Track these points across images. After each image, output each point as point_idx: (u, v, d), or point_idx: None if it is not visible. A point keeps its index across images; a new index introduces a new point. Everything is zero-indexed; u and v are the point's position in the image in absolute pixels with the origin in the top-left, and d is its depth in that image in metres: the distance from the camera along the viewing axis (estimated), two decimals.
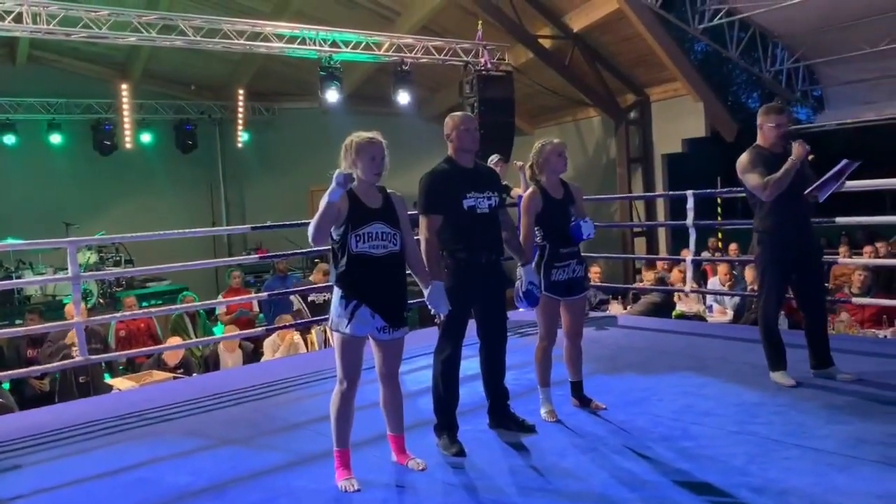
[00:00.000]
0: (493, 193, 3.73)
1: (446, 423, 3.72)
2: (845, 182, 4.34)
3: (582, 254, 4.21)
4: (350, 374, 3.27)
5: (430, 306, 3.52)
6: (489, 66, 10.61)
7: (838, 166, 4.21)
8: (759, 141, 4.52)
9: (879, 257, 8.69)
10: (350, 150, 3.27)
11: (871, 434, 3.52)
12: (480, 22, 10.59)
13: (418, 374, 4.96)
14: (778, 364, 4.48)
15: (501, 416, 3.94)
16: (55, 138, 12.47)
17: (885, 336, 6.57)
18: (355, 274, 3.22)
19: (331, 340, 3.41)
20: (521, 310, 4.09)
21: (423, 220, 3.64)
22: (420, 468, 3.43)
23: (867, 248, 8.96)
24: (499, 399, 3.95)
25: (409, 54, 10.30)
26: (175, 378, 6.57)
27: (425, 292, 3.49)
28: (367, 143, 3.26)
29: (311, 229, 3.18)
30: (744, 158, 4.45)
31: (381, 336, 3.29)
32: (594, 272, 8.57)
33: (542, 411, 4.08)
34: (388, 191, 3.39)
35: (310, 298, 8.05)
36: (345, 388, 3.27)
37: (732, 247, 10.37)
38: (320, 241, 3.23)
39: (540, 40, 11.71)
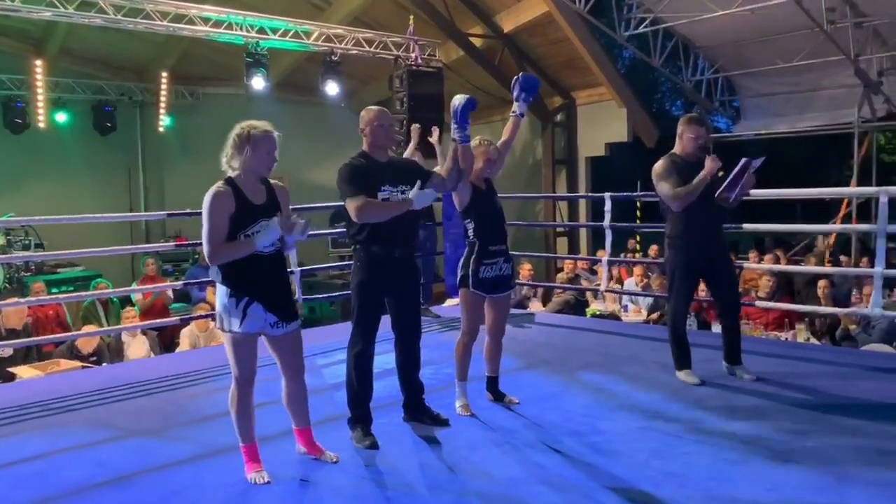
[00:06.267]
0: (407, 188, 3.68)
1: (360, 415, 3.73)
2: (754, 180, 4.50)
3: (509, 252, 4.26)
4: (246, 372, 3.21)
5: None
6: (420, 61, 10.62)
7: (739, 165, 4.39)
8: (677, 149, 4.66)
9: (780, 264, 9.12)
10: (245, 140, 3.18)
11: (767, 431, 3.71)
12: (412, 17, 10.58)
13: (337, 367, 4.95)
14: (683, 363, 4.66)
15: (416, 409, 3.98)
16: None
17: (787, 339, 6.89)
18: (245, 272, 3.15)
19: (221, 339, 3.31)
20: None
21: (351, 203, 3.57)
22: (333, 460, 3.43)
23: (767, 256, 9.43)
24: (413, 393, 3.98)
25: (339, 45, 10.20)
26: (84, 367, 6.35)
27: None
28: (265, 136, 3.18)
29: (213, 257, 3.10)
30: (658, 166, 4.59)
31: (274, 332, 3.23)
32: (526, 269, 8.65)
33: (457, 405, 4.13)
34: (272, 181, 3.32)
35: None
36: (242, 386, 3.22)
37: (653, 248, 10.69)
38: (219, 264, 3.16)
39: (471, 38, 11.80)
